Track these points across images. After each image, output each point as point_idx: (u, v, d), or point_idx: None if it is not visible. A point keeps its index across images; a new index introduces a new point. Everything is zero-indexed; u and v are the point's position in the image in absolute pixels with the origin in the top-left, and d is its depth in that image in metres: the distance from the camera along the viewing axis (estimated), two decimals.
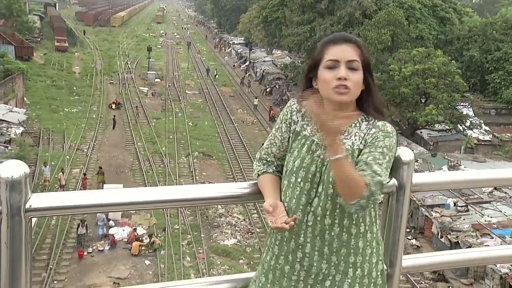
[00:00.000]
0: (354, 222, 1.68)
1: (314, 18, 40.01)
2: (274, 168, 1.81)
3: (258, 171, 1.82)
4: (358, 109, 1.74)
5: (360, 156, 1.65)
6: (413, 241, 20.45)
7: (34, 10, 75.25)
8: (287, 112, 1.80)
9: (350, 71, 1.67)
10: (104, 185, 23.24)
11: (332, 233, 1.67)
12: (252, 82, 49.55)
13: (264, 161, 1.83)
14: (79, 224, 18.89)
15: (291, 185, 1.71)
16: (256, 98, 41.93)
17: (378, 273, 1.76)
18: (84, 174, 24.56)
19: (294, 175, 1.70)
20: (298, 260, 1.70)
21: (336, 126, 1.50)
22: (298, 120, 1.78)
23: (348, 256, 1.69)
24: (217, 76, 51.76)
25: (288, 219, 1.63)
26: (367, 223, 1.71)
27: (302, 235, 1.68)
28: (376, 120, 1.71)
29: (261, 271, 1.80)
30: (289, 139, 1.79)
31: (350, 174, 1.53)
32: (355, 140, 1.69)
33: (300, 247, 1.69)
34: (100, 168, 24.94)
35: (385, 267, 1.83)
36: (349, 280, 1.70)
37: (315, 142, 1.71)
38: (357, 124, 1.72)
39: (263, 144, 1.88)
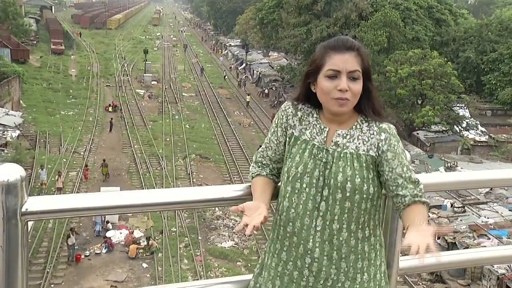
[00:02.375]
0: (360, 226, 1.69)
1: (310, 20, 40.04)
2: (268, 170, 1.81)
3: (253, 173, 1.83)
4: (355, 110, 1.73)
5: (392, 170, 1.66)
6: None
7: (30, 13, 75.17)
8: (282, 116, 1.79)
9: (351, 81, 1.66)
10: (101, 188, 23.25)
11: (341, 238, 1.67)
12: (249, 84, 49.59)
13: (260, 164, 1.83)
14: (68, 234, 18.46)
15: (296, 191, 1.69)
16: (248, 95, 41.95)
17: (382, 274, 1.76)
18: (86, 165, 25.86)
19: (299, 181, 1.69)
20: (306, 265, 1.69)
21: None
22: (295, 124, 1.77)
23: (357, 262, 1.70)
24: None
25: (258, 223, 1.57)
26: (371, 227, 1.71)
27: (311, 241, 1.67)
28: (377, 122, 1.70)
29: (267, 278, 1.77)
30: (285, 143, 1.79)
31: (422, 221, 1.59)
32: (359, 144, 1.69)
33: (309, 252, 1.68)
34: (104, 160, 26.12)
35: (386, 267, 1.83)
36: (357, 286, 1.70)
37: (316, 146, 1.71)
38: (358, 126, 1.72)
39: (259, 147, 1.89)
